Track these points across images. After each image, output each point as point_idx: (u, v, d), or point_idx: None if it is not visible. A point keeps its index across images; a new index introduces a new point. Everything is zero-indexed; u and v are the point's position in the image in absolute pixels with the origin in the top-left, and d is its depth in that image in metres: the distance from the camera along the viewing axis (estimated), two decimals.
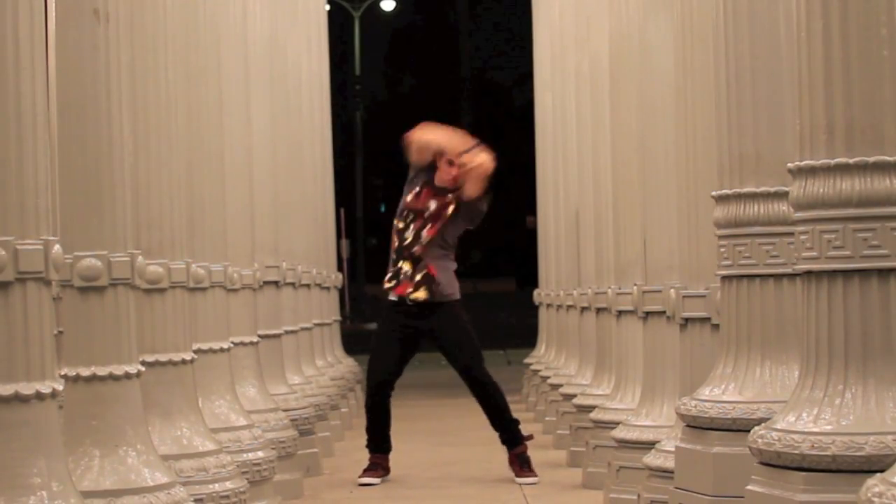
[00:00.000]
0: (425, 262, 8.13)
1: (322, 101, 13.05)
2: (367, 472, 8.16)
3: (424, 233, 8.14)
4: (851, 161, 3.77)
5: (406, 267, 8.15)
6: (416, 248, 8.13)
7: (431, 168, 8.26)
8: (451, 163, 8.20)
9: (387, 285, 8.22)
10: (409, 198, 8.25)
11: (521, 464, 8.07)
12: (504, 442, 8.17)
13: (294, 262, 9.76)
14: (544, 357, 12.99)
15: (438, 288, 8.13)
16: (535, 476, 8.00)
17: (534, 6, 14.02)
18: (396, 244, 8.23)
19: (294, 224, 10.08)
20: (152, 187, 5.36)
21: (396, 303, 8.19)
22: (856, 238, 3.77)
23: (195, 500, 5.07)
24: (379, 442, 8.25)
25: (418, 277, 8.12)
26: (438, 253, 8.17)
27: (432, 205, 8.18)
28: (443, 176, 8.22)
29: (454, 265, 8.28)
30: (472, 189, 8.16)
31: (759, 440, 3.88)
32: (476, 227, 8.39)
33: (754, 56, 4.77)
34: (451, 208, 8.17)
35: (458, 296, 8.25)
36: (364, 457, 8.30)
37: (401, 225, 8.22)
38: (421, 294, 8.13)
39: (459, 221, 8.24)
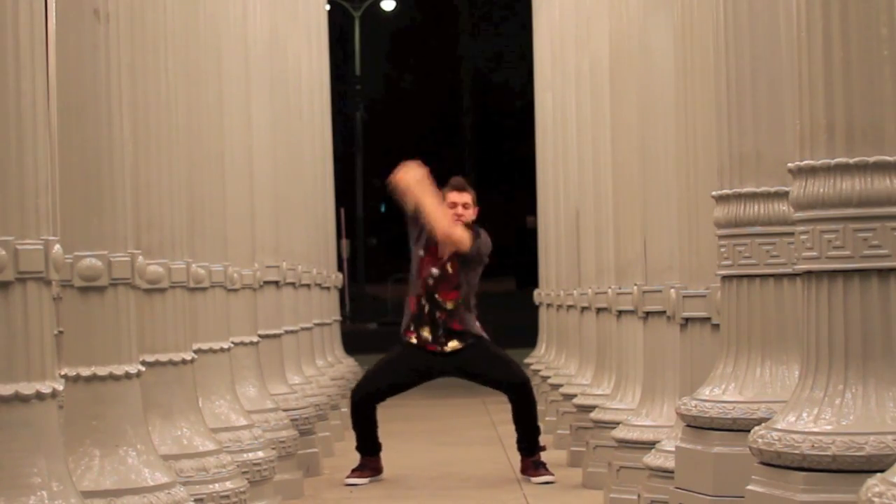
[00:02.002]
0: (450, 325, 8.19)
1: (322, 102, 13.04)
2: (355, 472, 8.22)
3: (438, 296, 8.19)
4: (851, 161, 3.76)
5: (425, 334, 8.22)
6: (438, 314, 8.20)
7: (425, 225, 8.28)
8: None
9: (413, 340, 8.23)
10: (414, 265, 8.28)
11: (535, 467, 8.09)
12: (523, 449, 8.17)
13: (294, 262, 9.76)
14: (544, 357, 13.00)
15: (465, 334, 8.20)
16: (552, 475, 8.01)
17: (534, 6, 14.02)
18: (414, 311, 8.24)
19: (294, 224, 10.08)
20: (152, 187, 5.36)
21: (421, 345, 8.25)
22: (856, 238, 3.76)
23: (195, 500, 5.07)
24: (367, 444, 8.29)
25: (444, 339, 8.20)
26: (462, 307, 8.23)
27: (435, 271, 8.22)
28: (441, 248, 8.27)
29: (473, 302, 8.32)
30: (457, 244, 8.17)
31: (760, 440, 3.88)
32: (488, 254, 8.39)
33: (754, 56, 4.77)
34: (454, 267, 8.21)
35: (481, 331, 8.30)
36: None
37: (415, 292, 8.26)
38: (454, 345, 8.21)
39: (471, 269, 8.27)
